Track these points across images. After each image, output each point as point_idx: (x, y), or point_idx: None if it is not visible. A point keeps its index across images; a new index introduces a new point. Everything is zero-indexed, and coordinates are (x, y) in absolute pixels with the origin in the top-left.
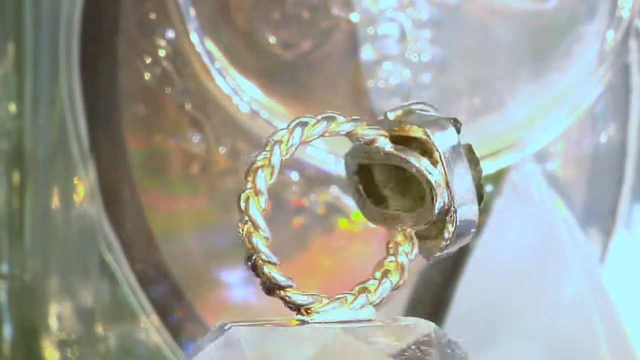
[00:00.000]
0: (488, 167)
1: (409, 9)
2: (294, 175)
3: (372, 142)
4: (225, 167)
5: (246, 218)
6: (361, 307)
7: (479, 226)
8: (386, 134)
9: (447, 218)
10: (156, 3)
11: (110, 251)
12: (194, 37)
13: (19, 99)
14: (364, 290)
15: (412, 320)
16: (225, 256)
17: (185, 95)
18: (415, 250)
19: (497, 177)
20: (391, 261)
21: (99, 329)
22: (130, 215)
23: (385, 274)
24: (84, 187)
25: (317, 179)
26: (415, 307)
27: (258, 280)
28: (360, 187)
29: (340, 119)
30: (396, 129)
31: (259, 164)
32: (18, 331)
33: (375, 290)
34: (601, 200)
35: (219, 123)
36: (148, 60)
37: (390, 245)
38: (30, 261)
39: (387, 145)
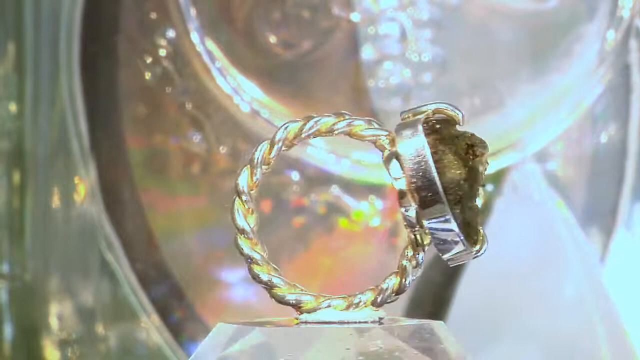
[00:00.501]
0: (488, 167)
1: (409, 9)
2: (295, 175)
3: (374, 141)
4: (226, 166)
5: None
6: (359, 308)
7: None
8: (385, 133)
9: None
10: (156, 3)
11: (111, 251)
12: (195, 37)
13: (19, 99)
14: (368, 291)
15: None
16: (225, 256)
17: (186, 95)
18: (420, 255)
19: (497, 177)
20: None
21: (100, 329)
22: (130, 215)
23: (390, 276)
24: (84, 186)
25: (317, 179)
26: (415, 307)
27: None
28: None
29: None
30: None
31: (244, 164)
32: (18, 331)
33: (377, 292)
34: (601, 200)
35: (219, 123)
36: (148, 60)
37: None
38: (30, 261)
39: (387, 145)
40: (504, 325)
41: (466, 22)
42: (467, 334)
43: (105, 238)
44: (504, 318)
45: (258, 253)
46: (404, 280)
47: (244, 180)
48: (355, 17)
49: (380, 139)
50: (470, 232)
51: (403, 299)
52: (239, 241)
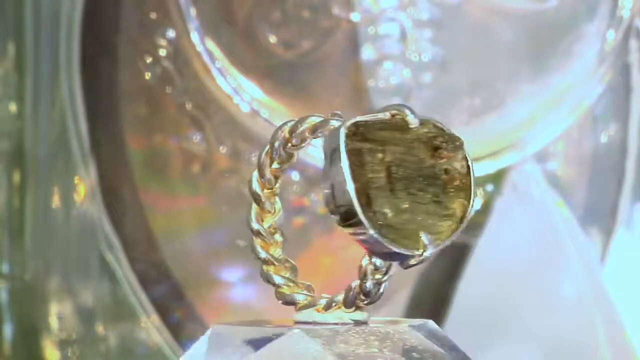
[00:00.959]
0: (488, 167)
1: (409, 9)
2: (295, 175)
3: None
4: (226, 166)
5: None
6: (331, 310)
7: (479, 226)
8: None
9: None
10: (157, 3)
11: (111, 251)
12: (195, 37)
13: (19, 99)
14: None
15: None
16: (225, 256)
17: (186, 95)
18: (377, 260)
19: (497, 177)
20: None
21: (100, 329)
22: (130, 215)
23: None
24: (84, 186)
25: (317, 179)
26: (415, 307)
27: (258, 280)
28: None
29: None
30: None
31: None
32: (19, 331)
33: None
34: (601, 200)
35: (219, 123)
36: (149, 60)
37: None
38: (30, 261)
39: None
40: (504, 325)
41: (466, 22)
42: (467, 334)
43: (105, 238)
44: (504, 318)
45: (269, 254)
46: (364, 282)
47: (252, 183)
48: (355, 17)
49: None
50: (403, 236)
51: (403, 299)
52: (252, 242)
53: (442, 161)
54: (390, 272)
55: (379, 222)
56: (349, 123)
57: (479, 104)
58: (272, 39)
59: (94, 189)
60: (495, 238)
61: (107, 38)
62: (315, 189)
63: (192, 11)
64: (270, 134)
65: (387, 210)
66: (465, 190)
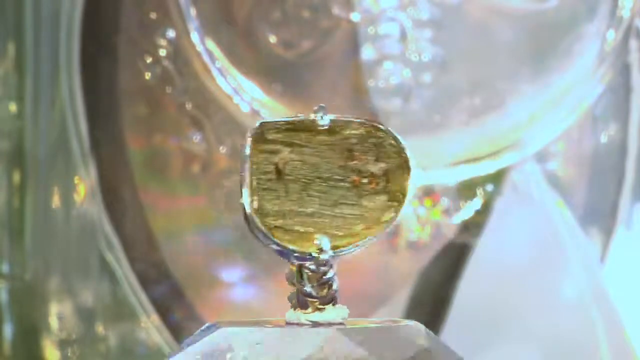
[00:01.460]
0: (488, 167)
1: (409, 9)
2: None
3: None
4: (226, 166)
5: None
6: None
7: (479, 226)
8: None
9: None
10: (157, 3)
11: (111, 251)
12: (195, 37)
13: (19, 99)
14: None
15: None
16: (225, 256)
17: (186, 95)
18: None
19: (497, 177)
20: None
21: (100, 329)
22: (130, 215)
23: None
24: (84, 186)
25: None
26: (415, 307)
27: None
28: None
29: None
30: None
31: None
32: (19, 331)
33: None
34: (601, 199)
35: (219, 122)
36: (149, 60)
37: None
38: (30, 261)
39: None
40: (504, 325)
41: (466, 22)
42: (467, 334)
43: (105, 238)
44: (504, 318)
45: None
46: (301, 287)
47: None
48: (355, 17)
49: None
50: (300, 238)
51: (403, 299)
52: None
53: (353, 164)
54: (332, 272)
55: (271, 224)
56: (257, 124)
57: (479, 104)
58: (272, 39)
59: (94, 189)
60: (495, 238)
61: (107, 38)
62: None
63: (192, 11)
64: None
65: (276, 212)
66: (389, 194)
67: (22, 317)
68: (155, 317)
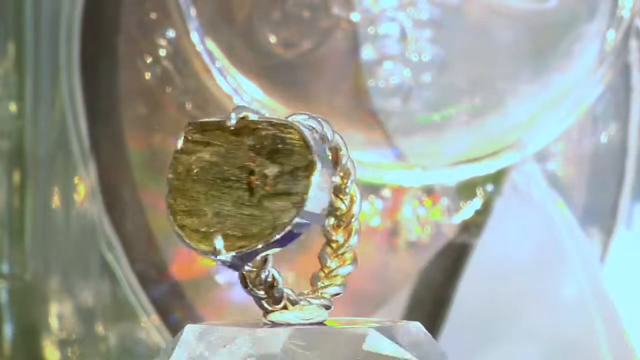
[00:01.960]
0: (488, 167)
1: (409, 9)
2: None
3: None
4: None
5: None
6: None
7: (479, 226)
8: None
9: None
10: (157, 3)
11: (111, 251)
12: (195, 37)
13: (19, 99)
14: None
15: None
16: None
17: (186, 95)
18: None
19: (497, 177)
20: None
21: (100, 329)
22: (130, 215)
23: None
24: (84, 186)
25: None
26: (415, 307)
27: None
28: None
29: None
30: None
31: None
32: (19, 331)
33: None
34: (602, 199)
35: None
36: (148, 60)
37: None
38: (30, 261)
39: None
40: (504, 325)
41: (466, 22)
42: (467, 334)
43: (105, 238)
44: (504, 318)
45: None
46: (249, 290)
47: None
48: (355, 16)
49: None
50: (201, 237)
51: (403, 299)
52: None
53: (254, 165)
54: (266, 272)
55: (180, 223)
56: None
57: (479, 104)
58: (272, 39)
59: (94, 189)
60: (495, 238)
61: (107, 38)
62: None
63: (192, 11)
64: None
65: (185, 211)
66: (290, 195)
67: (22, 317)
68: (155, 317)
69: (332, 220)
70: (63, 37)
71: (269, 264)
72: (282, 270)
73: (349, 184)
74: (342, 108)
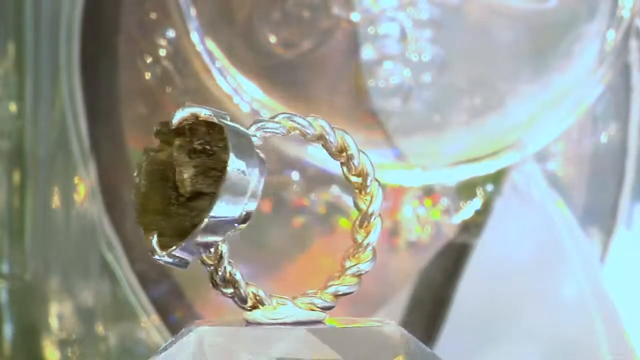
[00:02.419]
0: (488, 167)
1: (409, 9)
2: (295, 175)
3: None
4: None
5: None
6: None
7: (479, 226)
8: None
9: None
10: (157, 3)
11: (111, 251)
12: (195, 37)
13: (19, 99)
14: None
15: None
16: None
17: (186, 95)
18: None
19: (497, 177)
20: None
21: (100, 329)
22: (130, 215)
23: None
24: (84, 186)
25: (317, 179)
26: (415, 307)
27: (257, 279)
28: None
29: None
30: None
31: None
32: (18, 331)
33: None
34: (602, 199)
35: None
36: (149, 60)
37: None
38: (30, 261)
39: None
40: (504, 325)
41: (466, 22)
42: (467, 334)
43: (105, 238)
44: (504, 318)
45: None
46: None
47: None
48: (355, 16)
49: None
50: (147, 236)
51: (403, 299)
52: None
53: (176, 165)
54: (221, 270)
55: (138, 222)
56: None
57: (479, 104)
58: (272, 39)
59: (94, 189)
60: (495, 238)
61: (107, 38)
62: (315, 189)
63: (192, 11)
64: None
65: (139, 210)
66: (206, 196)
67: (22, 317)
68: (155, 317)
69: (358, 220)
70: (63, 37)
71: (224, 261)
72: (282, 270)
73: (368, 183)
74: (342, 108)
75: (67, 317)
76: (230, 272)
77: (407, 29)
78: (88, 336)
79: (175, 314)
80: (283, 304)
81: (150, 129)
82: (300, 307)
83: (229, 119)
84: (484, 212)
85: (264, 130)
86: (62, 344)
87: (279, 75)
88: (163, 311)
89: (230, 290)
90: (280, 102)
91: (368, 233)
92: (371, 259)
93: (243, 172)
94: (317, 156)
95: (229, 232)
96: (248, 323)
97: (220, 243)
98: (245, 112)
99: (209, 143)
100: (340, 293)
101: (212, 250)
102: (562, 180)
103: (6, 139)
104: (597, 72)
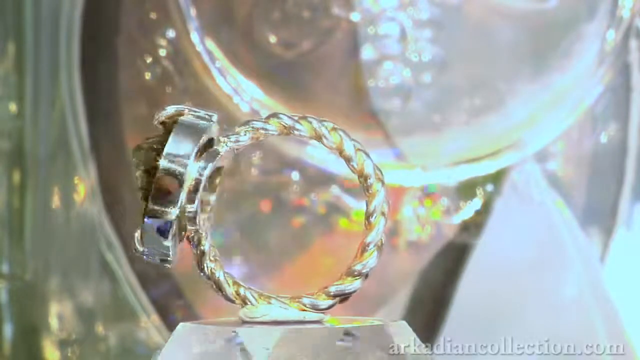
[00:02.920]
0: (488, 167)
1: (409, 9)
2: (295, 175)
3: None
4: (226, 166)
5: None
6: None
7: (479, 226)
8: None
9: None
10: (157, 3)
11: (111, 251)
12: (195, 37)
13: (19, 99)
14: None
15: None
16: (225, 255)
17: (186, 95)
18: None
19: (497, 177)
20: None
21: (100, 329)
22: (130, 215)
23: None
24: (84, 186)
25: (317, 179)
26: (415, 307)
27: (257, 279)
28: None
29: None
30: None
31: None
32: (18, 331)
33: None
34: (601, 199)
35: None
36: (149, 60)
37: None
38: (30, 261)
39: None
40: (504, 325)
41: (466, 22)
42: (467, 334)
43: (105, 238)
44: (504, 318)
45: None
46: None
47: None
48: (355, 16)
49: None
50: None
51: (403, 299)
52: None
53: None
54: (206, 270)
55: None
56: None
57: (479, 104)
58: (272, 39)
59: (94, 189)
60: (495, 238)
61: (107, 38)
62: (315, 189)
63: (192, 11)
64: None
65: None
66: (147, 193)
67: (22, 317)
68: (155, 317)
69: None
70: (63, 37)
71: (206, 259)
72: (282, 270)
73: (369, 182)
74: (342, 108)
75: (67, 317)
76: (211, 269)
77: (407, 29)
78: (88, 336)
79: (175, 314)
80: (266, 303)
81: (150, 129)
82: (290, 307)
83: (215, 118)
84: (484, 212)
85: (252, 129)
86: (62, 344)
87: (279, 75)
88: (163, 311)
89: (217, 289)
90: (280, 102)
91: (369, 232)
92: (372, 258)
93: (184, 173)
94: (317, 156)
95: (173, 209)
96: (244, 322)
97: (203, 240)
98: (245, 112)
99: (160, 144)
100: (339, 292)
101: (195, 246)
102: (562, 180)
103: (6, 139)
104: (597, 72)
